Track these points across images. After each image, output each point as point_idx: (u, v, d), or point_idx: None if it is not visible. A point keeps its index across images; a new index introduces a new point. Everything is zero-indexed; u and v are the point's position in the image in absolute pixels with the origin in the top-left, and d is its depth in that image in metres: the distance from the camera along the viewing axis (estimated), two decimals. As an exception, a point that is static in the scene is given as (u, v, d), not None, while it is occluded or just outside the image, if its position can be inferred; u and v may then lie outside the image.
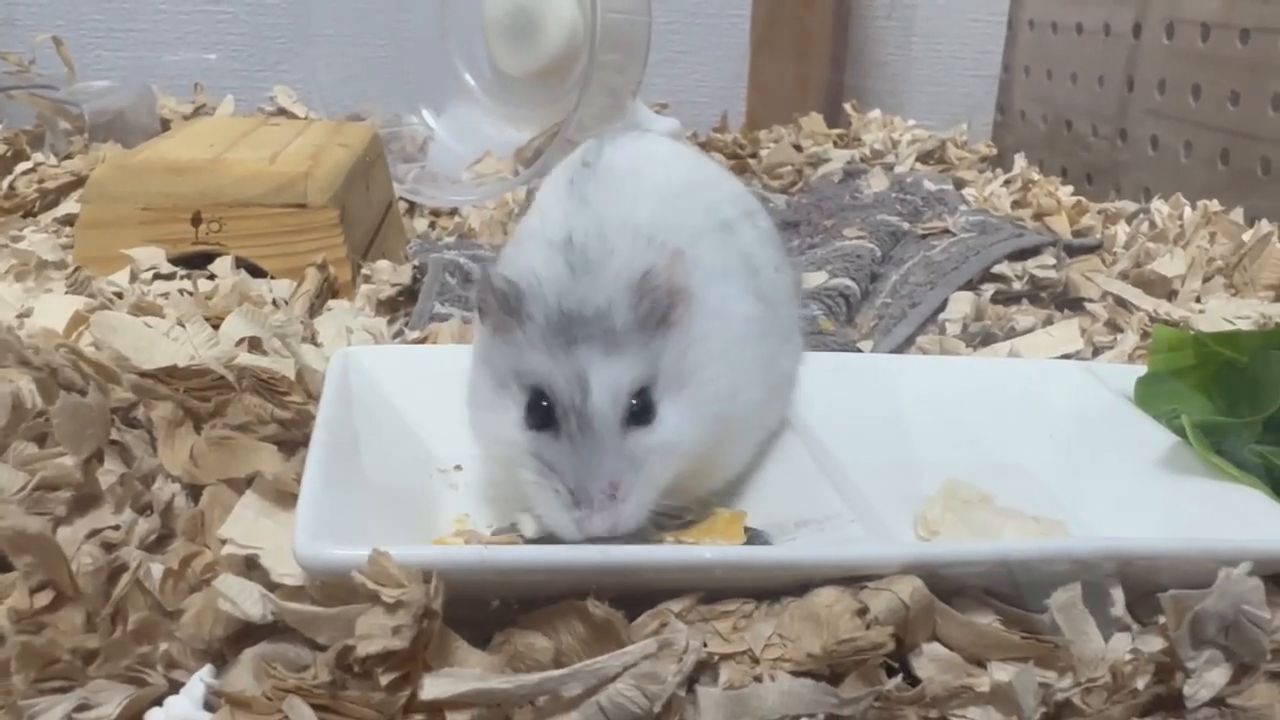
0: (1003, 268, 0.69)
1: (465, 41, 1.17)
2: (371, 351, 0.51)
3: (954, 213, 0.80)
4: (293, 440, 0.45)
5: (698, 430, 0.41)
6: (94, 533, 0.40)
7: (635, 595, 0.38)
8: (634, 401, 0.40)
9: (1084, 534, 0.48)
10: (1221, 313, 0.66)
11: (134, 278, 0.68)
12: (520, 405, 0.40)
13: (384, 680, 0.33)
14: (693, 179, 0.48)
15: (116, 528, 0.40)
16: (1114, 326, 0.67)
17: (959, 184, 1.05)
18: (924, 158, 1.13)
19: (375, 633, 0.33)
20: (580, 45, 1.08)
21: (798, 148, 1.25)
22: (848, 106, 1.36)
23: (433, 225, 1.05)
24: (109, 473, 0.41)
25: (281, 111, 1.25)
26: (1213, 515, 0.47)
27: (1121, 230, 0.83)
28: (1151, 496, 0.49)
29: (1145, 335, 0.66)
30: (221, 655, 0.37)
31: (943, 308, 0.66)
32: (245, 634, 0.37)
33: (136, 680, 0.35)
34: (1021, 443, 0.55)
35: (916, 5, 1.48)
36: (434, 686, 0.33)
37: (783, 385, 0.49)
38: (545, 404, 0.39)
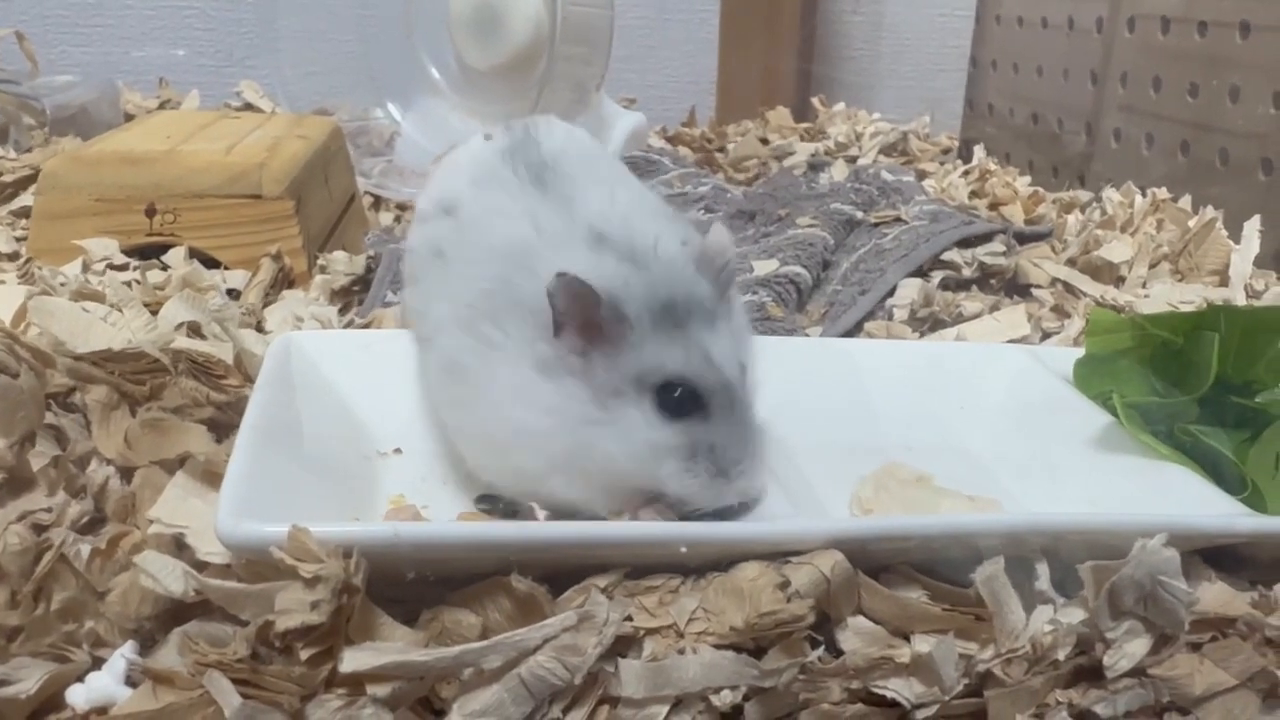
0: (953, 255, 0.69)
1: (431, 36, 1.17)
2: (315, 336, 0.51)
3: (909, 202, 0.81)
4: (229, 423, 0.45)
5: (757, 374, 0.44)
6: (25, 515, 0.40)
7: (566, 572, 0.39)
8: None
9: (1015, 511, 0.49)
10: (1165, 297, 0.66)
11: (86, 268, 0.68)
12: (646, 406, 0.40)
13: (304, 655, 0.33)
14: (610, 157, 0.49)
15: (49, 510, 0.40)
16: (1061, 312, 0.68)
17: (921, 175, 1.06)
18: (887, 150, 1.14)
19: (294, 608, 0.33)
20: (544, 39, 1.08)
21: (764, 141, 1.25)
22: (815, 100, 1.37)
23: (398, 219, 1.05)
24: (41, 455, 0.41)
25: (248, 106, 1.25)
26: (1143, 493, 0.47)
27: (1075, 219, 0.84)
28: (1085, 476, 0.50)
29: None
30: (152, 635, 0.37)
31: (891, 294, 0.66)
32: (176, 613, 0.38)
33: (60, 657, 0.35)
34: (962, 424, 0.55)
35: (885, 0, 1.49)
36: (353, 660, 0.33)
37: None
38: (681, 392, 0.40)
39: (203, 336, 0.51)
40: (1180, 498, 0.46)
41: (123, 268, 0.70)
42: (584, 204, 0.43)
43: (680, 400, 0.40)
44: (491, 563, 0.37)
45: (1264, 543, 0.43)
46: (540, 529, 0.37)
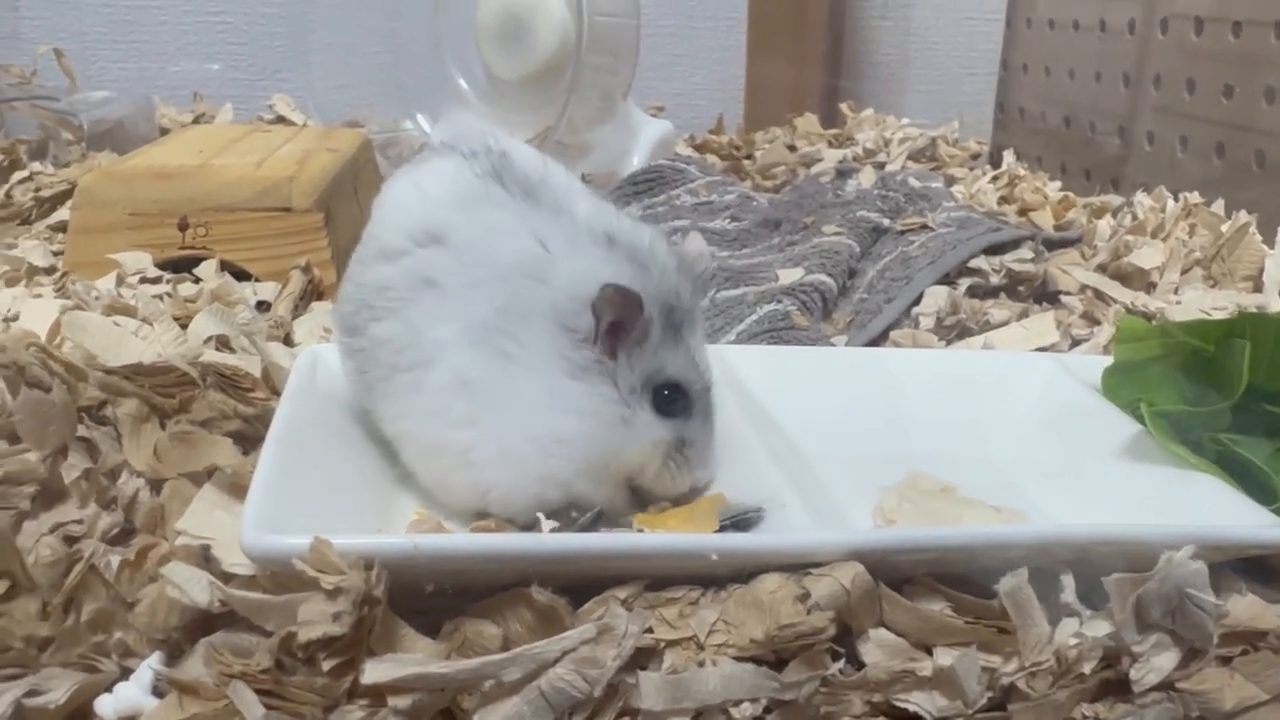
0: (980, 262, 0.69)
1: (459, 47, 1.18)
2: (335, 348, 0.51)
3: (936, 209, 0.80)
4: (256, 436, 0.45)
5: None
6: (57, 526, 0.41)
7: (588, 583, 0.39)
8: None
9: (1041, 522, 0.48)
10: (1197, 304, 0.65)
11: (120, 282, 0.69)
12: (648, 405, 0.43)
13: (326, 666, 0.34)
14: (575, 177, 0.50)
15: (80, 522, 0.41)
16: (1091, 319, 0.67)
17: (949, 181, 1.05)
18: (915, 156, 1.13)
19: (316, 619, 0.33)
20: (571, 49, 1.09)
21: (792, 148, 1.25)
22: (843, 106, 1.36)
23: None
24: (73, 468, 0.42)
25: (280, 119, 1.26)
26: (1171, 503, 0.47)
27: (1106, 224, 0.83)
28: (1113, 486, 0.49)
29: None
30: (180, 645, 0.38)
31: (917, 302, 0.66)
32: (204, 624, 0.38)
33: (89, 668, 0.36)
34: (988, 434, 0.55)
35: (913, 4, 1.48)
36: (375, 671, 0.34)
37: None
38: (673, 395, 0.43)
39: (231, 350, 0.52)
40: (1209, 508, 0.45)
41: (156, 281, 0.71)
42: (579, 213, 0.43)
43: (672, 400, 0.43)
44: (512, 574, 0.37)
45: (1296, 554, 0.42)
46: (559, 541, 0.37)
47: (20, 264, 0.74)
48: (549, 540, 0.37)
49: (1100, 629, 0.39)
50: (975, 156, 1.14)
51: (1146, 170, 1.26)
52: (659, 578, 0.38)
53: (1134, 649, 0.39)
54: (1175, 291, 0.70)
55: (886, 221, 0.76)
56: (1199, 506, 0.45)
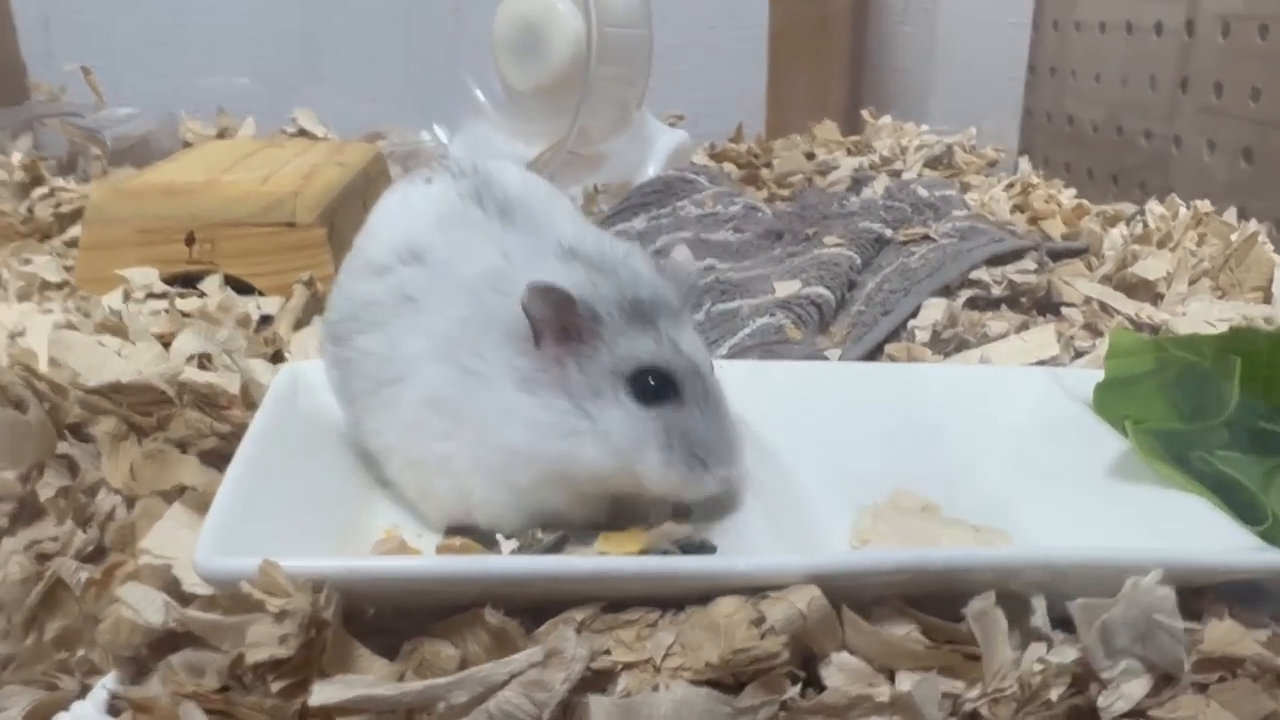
0: (981, 273, 0.68)
1: (476, 59, 1.19)
2: (320, 365, 0.52)
3: (942, 218, 0.79)
4: (232, 453, 0.46)
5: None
6: (33, 544, 0.41)
7: (553, 604, 0.39)
8: None
9: (1023, 543, 0.48)
10: (1203, 315, 0.64)
11: (127, 297, 0.70)
12: (624, 396, 0.42)
13: (275, 687, 0.34)
14: (566, 199, 0.51)
15: (55, 539, 0.42)
16: (1094, 330, 0.66)
17: (965, 188, 1.04)
18: (932, 163, 1.12)
19: (263, 641, 0.34)
20: (593, 58, 1.09)
21: (811, 156, 1.24)
22: (864, 113, 1.35)
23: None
24: (49, 486, 0.43)
25: (302, 132, 1.28)
26: (1154, 524, 0.46)
27: (1118, 233, 0.81)
28: (1099, 505, 0.48)
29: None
30: (145, 663, 0.38)
31: (915, 315, 0.65)
32: (170, 642, 0.39)
33: (50, 685, 0.36)
34: (977, 450, 0.54)
35: (937, 9, 1.46)
36: (323, 693, 0.34)
37: None
38: (655, 379, 0.42)
39: (213, 368, 0.52)
40: (1191, 529, 0.44)
41: (162, 296, 0.72)
42: (552, 231, 0.44)
43: (654, 386, 0.42)
44: (469, 596, 0.37)
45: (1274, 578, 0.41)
46: (505, 563, 0.37)
47: (34, 279, 0.75)
48: (494, 563, 0.37)
49: (1067, 654, 0.38)
50: (992, 164, 1.12)
51: (1174, 174, 1.23)
52: (618, 599, 0.38)
53: (1102, 675, 0.38)
54: (1183, 302, 0.68)
55: (889, 232, 0.75)
56: (1181, 527, 0.44)
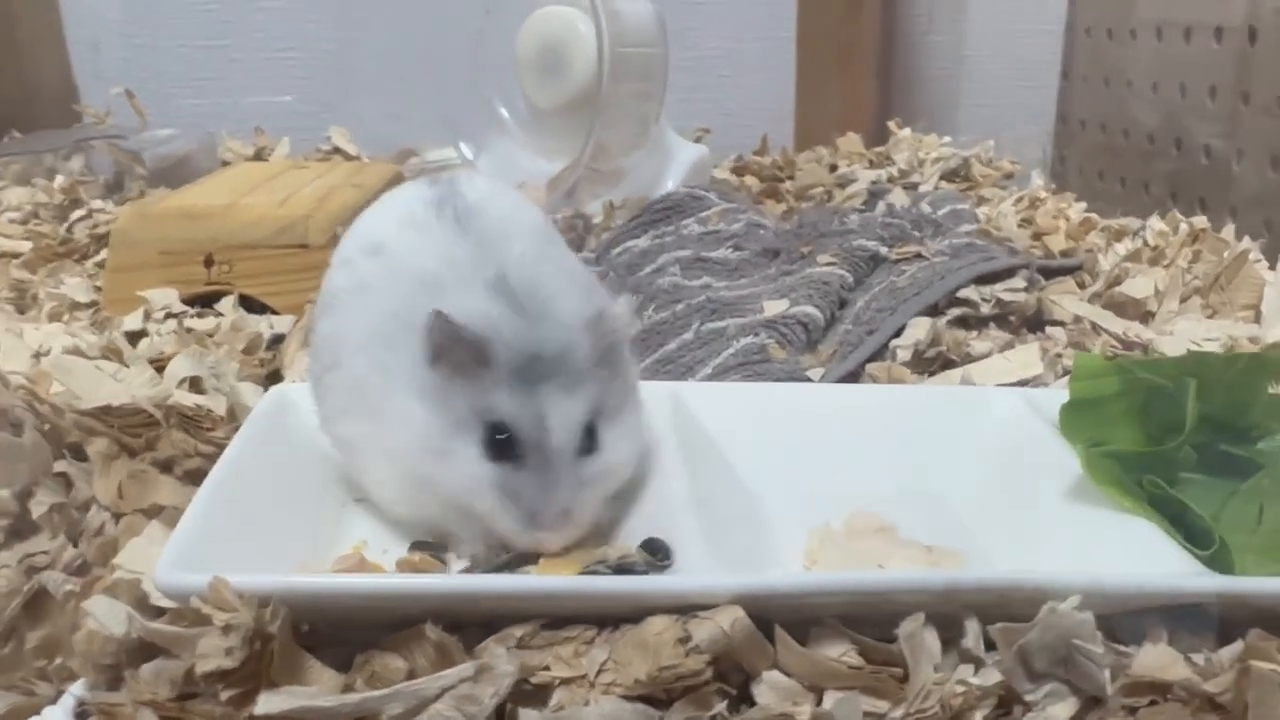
0: (969, 292, 0.68)
1: (500, 78, 1.21)
2: (304, 388, 0.54)
3: (944, 235, 0.79)
4: (214, 473, 0.48)
5: (632, 457, 0.46)
6: (25, 557, 0.45)
7: (498, 620, 0.41)
8: (584, 433, 0.44)
9: (979, 565, 0.48)
10: (1189, 334, 0.64)
11: (148, 317, 0.74)
12: (475, 441, 0.43)
13: (224, 696, 0.36)
14: (537, 213, 0.51)
15: (46, 553, 0.45)
16: (1081, 348, 0.66)
17: (980, 201, 1.04)
18: (949, 176, 1.12)
19: (211, 652, 0.36)
20: (605, 78, 1.11)
21: (834, 168, 1.25)
22: (891, 124, 1.35)
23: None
24: (42, 503, 0.46)
25: (337, 150, 1.32)
26: (1102, 548, 0.46)
27: (1125, 248, 0.81)
28: (1053, 528, 0.49)
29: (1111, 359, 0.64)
30: (120, 671, 0.41)
31: (899, 334, 0.66)
32: (146, 652, 0.41)
33: (27, 692, 0.39)
34: (942, 471, 0.55)
35: (966, 18, 1.46)
36: (267, 703, 0.36)
37: None
38: (504, 438, 0.43)
39: (202, 391, 0.55)
40: (1134, 554, 0.45)
41: (180, 316, 0.76)
42: (498, 251, 0.45)
43: (500, 444, 0.43)
44: (417, 610, 0.39)
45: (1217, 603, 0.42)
46: (438, 582, 0.39)
47: (65, 300, 0.79)
48: (428, 582, 0.39)
49: (991, 677, 0.39)
50: (1008, 176, 1.12)
51: (1201, 184, 1.22)
52: (558, 616, 0.40)
53: (1026, 697, 0.39)
54: (1172, 321, 0.68)
55: (884, 250, 0.76)
56: (1124, 551, 0.45)
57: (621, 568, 0.42)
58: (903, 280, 0.70)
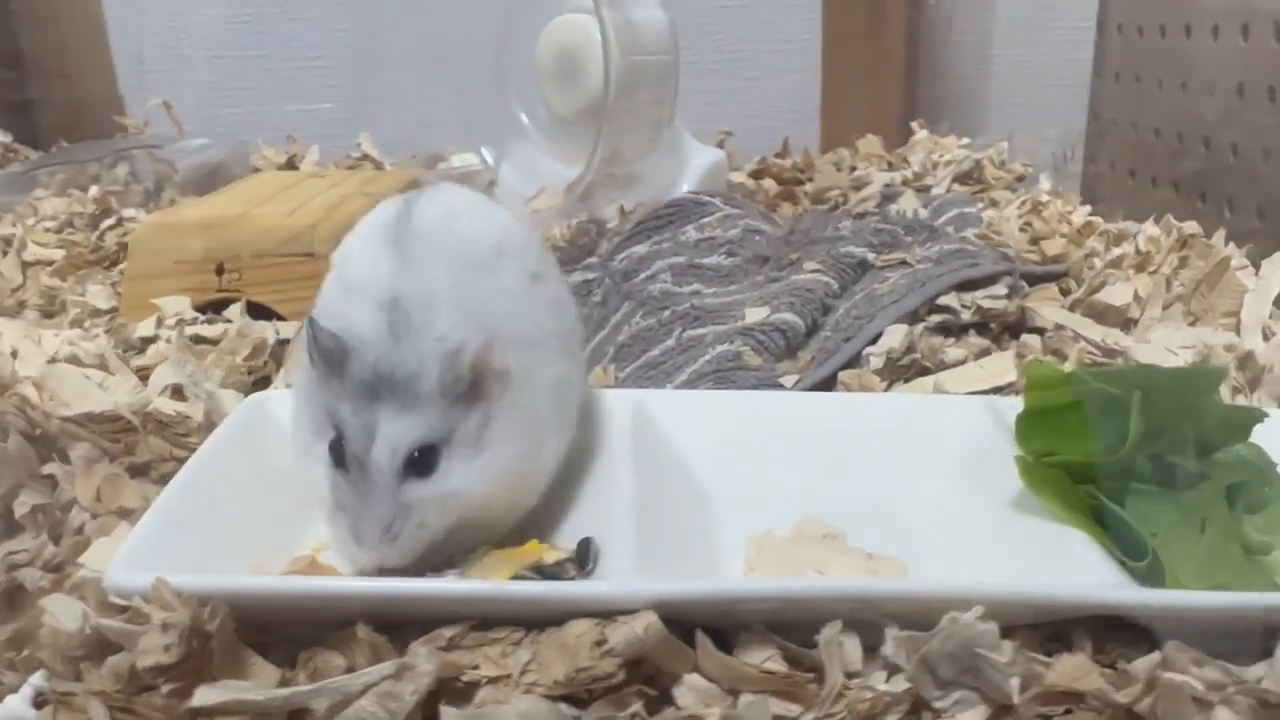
0: (950, 299, 0.68)
1: (520, 85, 1.24)
2: (284, 395, 0.57)
3: (932, 241, 0.80)
4: (187, 476, 0.51)
5: (482, 487, 0.46)
6: (8, 554, 0.48)
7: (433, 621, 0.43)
8: (416, 455, 0.44)
9: (919, 573, 0.49)
10: (1165, 342, 0.63)
11: (160, 324, 0.78)
12: (324, 448, 0.45)
13: (165, 689, 0.39)
14: (500, 235, 0.51)
15: (27, 551, 0.48)
16: (1060, 355, 0.66)
17: (992, 205, 1.04)
18: (961, 178, 1.11)
19: (151, 649, 0.39)
20: (622, 84, 1.13)
21: (853, 169, 1.25)
22: (914, 125, 1.35)
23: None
24: (24, 504, 0.49)
25: (366, 157, 1.35)
26: (1038, 558, 0.47)
27: (1119, 253, 0.80)
28: (995, 537, 0.50)
29: (1090, 366, 0.64)
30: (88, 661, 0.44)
31: (875, 341, 0.67)
32: (112, 647, 0.44)
33: (-5, 681, 0.42)
34: (898, 480, 0.55)
35: (994, 16, 1.45)
36: (203, 695, 0.39)
37: (572, 419, 0.53)
38: (339, 445, 0.45)
39: (185, 398, 0.58)
40: (1065, 564, 0.45)
41: (192, 323, 0.79)
42: (412, 272, 0.47)
43: (336, 450, 0.45)
44: (353, 612, 0.42)
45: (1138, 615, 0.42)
46: (356, 585, 0.41)
47: (87, 307, 0.83)
48: (355, 585, 0.41)
49: (902, 684, 0.40)
50: (1020, 179, 1.11)
51: (1231, 183, 1.19)
52: (482, 619, 0.42)
53: (935, 705, 0.40)
54: (1151, 328, 0.67)
55: (872, 256, 0.76)
56: (1056, 562, 0.45)
57: (548, 573, 0.44)
58: (884, 287, 0.71)
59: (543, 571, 0.44)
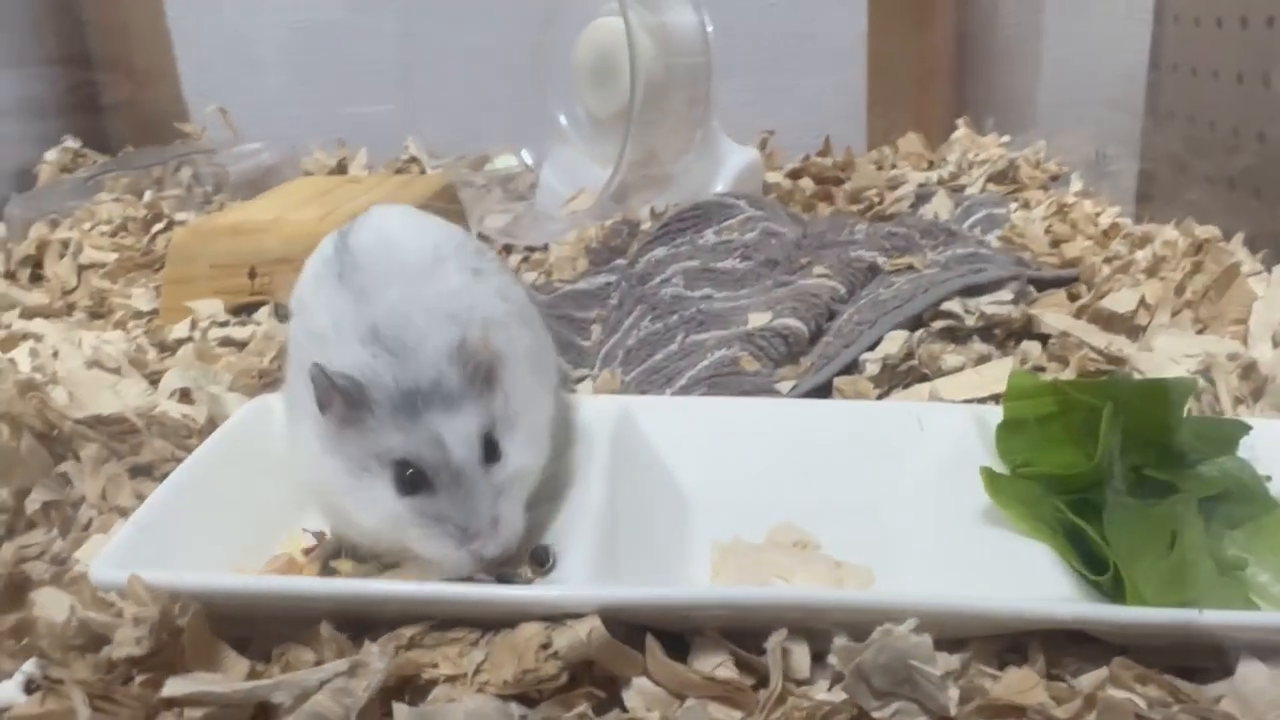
0: (953, 305, 0.68)
1: (559, 88, 1.26)
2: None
3: (948, 245, 0.79)
4: (188, 477, 0.54)
5: (537, 454, 0.49)
6: (21, 548, 0.51)
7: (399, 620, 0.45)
8: (488, 439, 0.47)
9: (889, 583, 0.50)
10: (1168, 351, 0.62)
11: (194, 326, 0.81)
12: (387, 481, 0.46)
13: (139, 679, 0.42)
14: (433, 243, 0.53)
15: (37, 544, 0.51)
16: (1063, 361, 0.65)
17: (1025, 205, 1.02)
18: (996, 178, 1.10)
19: (125, 641, 0.41)
20: (656, 86, 1.14)
21: (894, 166, 1.24)
22: (960, 122, 1.33)
23: (526, 259, 1.13)
24: (35, 501, 0.52)
25: (413, 160, 1.39)
26: (1001, 571, 0.47)
27: (1142, 256, 0.78)
28: (963, 549, 0.50)
29: (1091, 374, 0.64)
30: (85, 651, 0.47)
31: (874, 347, 0.67)
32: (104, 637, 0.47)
33: (-3, 666, 0.45)
34: (878, 487, 0.56)
35: (1045, 10, 1.42)
36: (172, 686, 0.41)
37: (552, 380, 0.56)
38: (412, 472, 0.46)
39: (192, 401, 0.61)
40: (1024, 577, 0.45)
41: (224, 324, 0.83)
42: (371, 303, 0.49)
43: (411, 479, 0.46)
44: (320, 610, 0.44)
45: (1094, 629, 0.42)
46: (316, 584, 0.43)
47: (130, 309, 0.88)
48: (318, 584, 0.44)
49: (840, 694, 0.41)
50: (1055, 178, 1.09)
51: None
52: (441, 618, 0.44)
53: (874, 715, 0.40)
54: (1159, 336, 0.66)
55: (882, 260, 0.76)
56: (1016, 575, 0.45)
57: (503, 577, 0.45)
58: (888, 293, 0.71)
59: (499, 575, 0.45)
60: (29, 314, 0.84)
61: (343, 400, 0.46)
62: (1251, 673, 0.42)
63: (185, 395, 0.61)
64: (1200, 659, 0.43)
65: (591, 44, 1.20)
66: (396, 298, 0.48)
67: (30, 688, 0.44)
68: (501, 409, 0.48)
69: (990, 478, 0.49)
